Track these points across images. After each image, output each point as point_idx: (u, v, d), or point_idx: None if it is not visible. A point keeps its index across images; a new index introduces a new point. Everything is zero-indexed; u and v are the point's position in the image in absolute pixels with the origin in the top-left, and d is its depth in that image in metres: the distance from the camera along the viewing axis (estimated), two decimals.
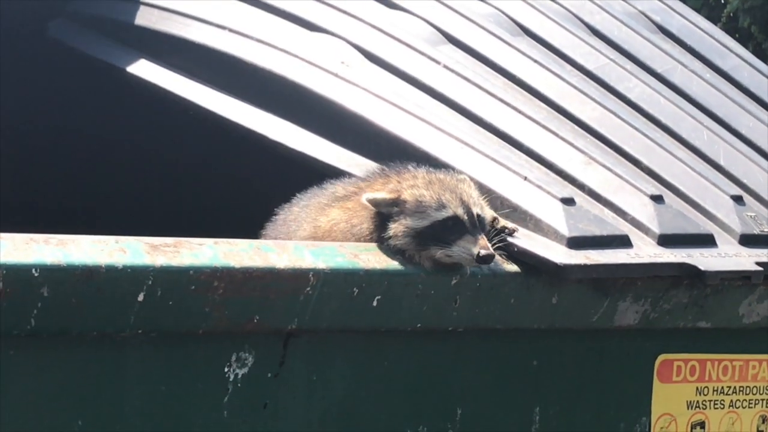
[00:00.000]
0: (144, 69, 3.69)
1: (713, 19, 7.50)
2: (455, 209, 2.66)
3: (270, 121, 3.27)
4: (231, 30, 3.52)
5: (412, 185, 2.72)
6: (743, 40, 7.68)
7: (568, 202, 2.74)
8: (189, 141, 4.05)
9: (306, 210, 2.88)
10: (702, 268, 2.67)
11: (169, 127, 4.03)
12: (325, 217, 2.80)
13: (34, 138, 4.43)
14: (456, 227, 2.63)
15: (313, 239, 2.73)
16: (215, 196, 4.23)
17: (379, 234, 2.68)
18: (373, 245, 2.59)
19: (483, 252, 2.58)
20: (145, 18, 3.78)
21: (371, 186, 2.79)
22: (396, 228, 2.65)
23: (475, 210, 2.67)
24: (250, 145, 3.32)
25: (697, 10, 5.95)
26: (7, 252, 2.18)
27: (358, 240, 2.68)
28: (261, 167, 3.75)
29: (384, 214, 2.68)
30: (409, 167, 2.81)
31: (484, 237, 2.63)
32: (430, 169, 2.80)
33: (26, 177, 4.47)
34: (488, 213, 2.72)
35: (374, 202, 2.70)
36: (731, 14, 8.09)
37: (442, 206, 2.66)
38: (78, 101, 4.30)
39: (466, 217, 2.65)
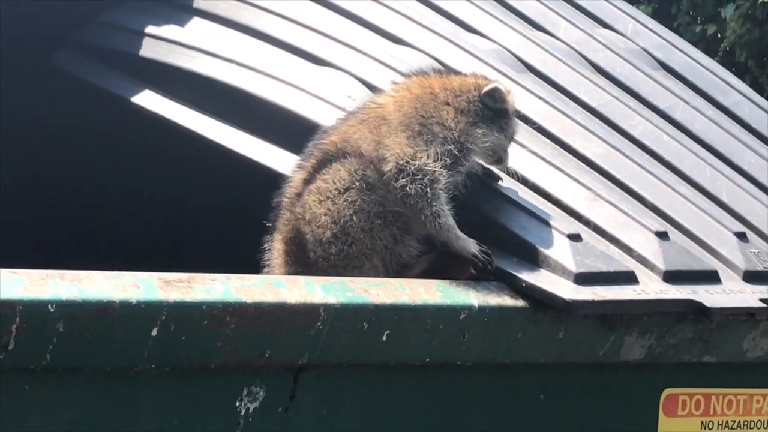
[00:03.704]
0: (150, 100, 3.71)
1: (710, 53, 7.53)
2: None
3: (277, 154, 3.29)
4: (238, 63, 3.54)
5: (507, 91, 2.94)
6: (740, 74, 7.71)
7: (575, 238, 2.76)
8: (195, 173, 4.07)
9: None
10: (707, 304, 2.69)
11: (174, 158, 4.05)
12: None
13: (36, 167, 4.44)
14: None
15: None
16: (221, 228, 4.24)
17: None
18: (383, 280, 2.61)
19: None
20: (152, 50, 3.80)
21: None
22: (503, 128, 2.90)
23: None
24: (257, 177, 3.34)
25: (695, 44, 5.98)
26: (24, 288, 2.20)
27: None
28: (268, 199, 3.77)
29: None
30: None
31: None
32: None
33: (27, 207, 4.47)
34: None
35: (491, 93, 2.89)
36: (728, 48, 8.12)
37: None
38: (82, 131, 4.31)
39: None
